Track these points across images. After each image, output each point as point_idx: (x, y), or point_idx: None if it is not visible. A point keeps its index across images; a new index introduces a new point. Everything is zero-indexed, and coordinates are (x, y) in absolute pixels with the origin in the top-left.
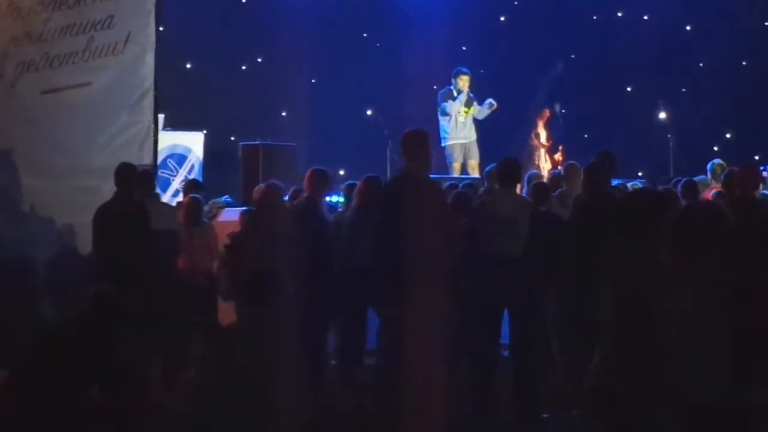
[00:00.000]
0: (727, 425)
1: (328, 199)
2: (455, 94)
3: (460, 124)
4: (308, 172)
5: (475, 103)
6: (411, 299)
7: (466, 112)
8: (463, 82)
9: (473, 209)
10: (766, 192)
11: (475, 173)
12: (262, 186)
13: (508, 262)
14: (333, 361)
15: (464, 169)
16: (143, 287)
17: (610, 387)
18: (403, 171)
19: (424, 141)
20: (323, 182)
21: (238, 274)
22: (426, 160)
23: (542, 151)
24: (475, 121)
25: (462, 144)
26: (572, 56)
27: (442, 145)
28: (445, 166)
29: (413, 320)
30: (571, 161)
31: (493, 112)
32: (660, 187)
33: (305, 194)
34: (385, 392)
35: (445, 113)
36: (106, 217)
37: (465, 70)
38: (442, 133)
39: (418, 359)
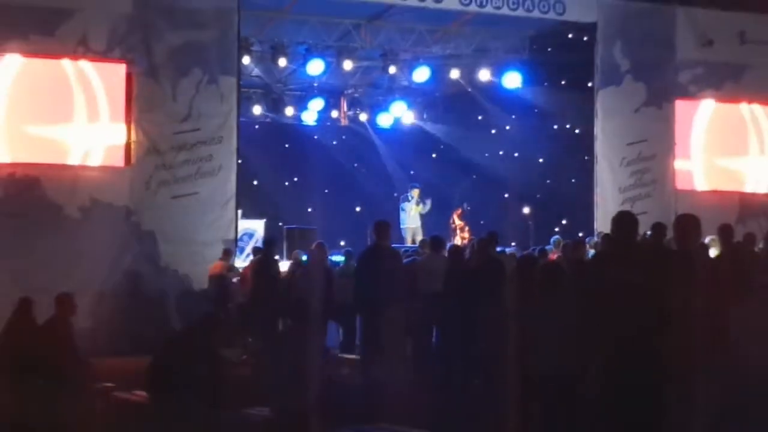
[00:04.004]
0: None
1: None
2: (410, 198)
3: (411, 217)
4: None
5: (421, 204)
6: (380, 313)
7: (416, 209)
8: (415, 192)
9: (415, 264)
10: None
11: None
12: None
13: (435, 295)
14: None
15: (414, 241)
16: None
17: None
18: (375, 243)
19: (388, 226)
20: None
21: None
22: (388, 237)
23: (457, 231)
24: (421, 215)
25: (411, 228)
26: (474, 176)
27: (401, 227)
28: (402, 239)
29: (381, 325)
30: (474, 237)
31: (430, 209)
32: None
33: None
34: (363, 371)
35: (403, 210)
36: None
37: (416, 184)
38: (401, 222)
39: (384, 348)
